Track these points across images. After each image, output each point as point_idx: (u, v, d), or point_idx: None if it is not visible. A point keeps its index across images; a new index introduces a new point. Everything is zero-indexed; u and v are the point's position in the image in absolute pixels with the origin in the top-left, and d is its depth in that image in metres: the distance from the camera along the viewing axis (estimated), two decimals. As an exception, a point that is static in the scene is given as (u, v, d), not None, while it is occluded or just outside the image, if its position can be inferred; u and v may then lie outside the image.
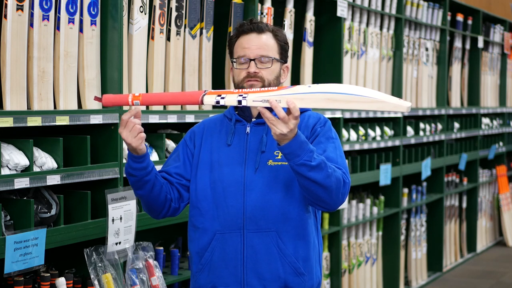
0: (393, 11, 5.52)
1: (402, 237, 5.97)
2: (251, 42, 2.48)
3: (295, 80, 4.60)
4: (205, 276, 2.51)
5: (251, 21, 2.53)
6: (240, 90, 2.33)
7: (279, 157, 2.45)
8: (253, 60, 2.46)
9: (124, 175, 3.12)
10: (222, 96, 2.31)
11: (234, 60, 2.50)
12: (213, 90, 2.33)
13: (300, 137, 2.28)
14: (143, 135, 2.39)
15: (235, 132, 2.52)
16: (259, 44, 2.48)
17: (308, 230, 2.49)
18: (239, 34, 2.52)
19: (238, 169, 2.47)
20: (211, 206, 2.49)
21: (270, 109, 2.26)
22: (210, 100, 2.31)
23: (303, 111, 2.52)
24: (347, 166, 2.48)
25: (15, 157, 2.71)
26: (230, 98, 2.30)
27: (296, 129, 2.25)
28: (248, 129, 2.51)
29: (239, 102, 2.29)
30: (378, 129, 5.36)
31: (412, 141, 5.93)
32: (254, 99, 2.28)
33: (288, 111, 2.23)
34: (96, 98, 2.37)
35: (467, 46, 7.32)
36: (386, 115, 5.50)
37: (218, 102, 2.30)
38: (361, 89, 2.25)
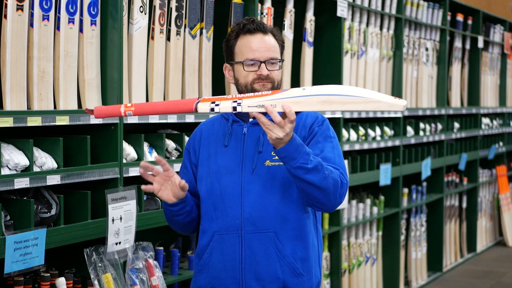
0: (393, 11, 5.52)
1: (402, 237, 5.97)
2: (259, 43, 2.46)
3: (295, 80, 4.60)
4: (204, 277, 2.51)
5: (253, 21, 2.49)
6: (234, 95, 2.30)
7: (276, 157, 2.43)
8: (264, 62, 2.45)
9: (124, 175, 3.12)
10: (217, 103, 2.28)
11: (241, 62, 2.47)
12: (206, 97, 2.31)
13: (296, 140, 2.27)
14: (185, 183, 2.45)
15: (232, 133, 2.51)
16: (267, 46, 2.46)
17: (306, 231, 2.48)
18: (241, 33, 2.49)
19: (235, 170, 2.47)
20: (209, 208, 2.50)
21: (264, 113, 2.25)
22: (204, 107, 2.29)
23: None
24: (345, 166, 2.47)
25: (15, 157, 2.70)
26: (225, 105, 2.28)
27: (292, 132, 2.25)
28: (245, 130, 2.50)
29: (234, 108, 2.27)
30: (378, 129, 5.36)
31: (412, 141, 5.93)
32: (249, 104, 2.26)
33: (283, 115, 2.22)
34: (87, 111, 2.35)
35: (467, 46, 7.32)
36: (386, 115, 5.50)
37: (212, 109, 2.28)
38: (356, 89, 2.24)
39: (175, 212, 2.50)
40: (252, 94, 2.29)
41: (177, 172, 2.69)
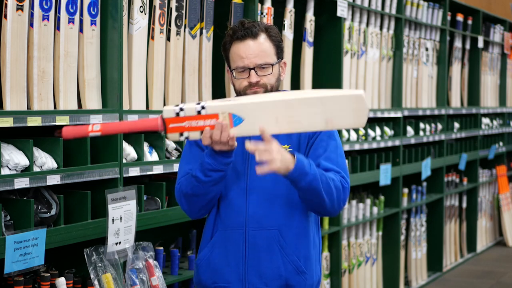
0: (393, 11, 5.52)
1: (402, 237, 5.97)
2: (248, 50, 2.44)
3: (295, 80, 4.60)
4: (206, 272, 2.52)
5: (243, 25, 2.47)
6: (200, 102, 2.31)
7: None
8: (253, 68, 2.44)
9: (124, 175, 3.12)
10: (181, 107, 2.27)
11: (233, 69, 2.47)
12: (174, 125, 2.28)
13: (298, 167, 2.30)
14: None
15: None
16: (256, 52, 2.44)
17: (309, 229, 2.51)
18: (233, 40, 2.48)
19: (241, 168, 2.48)
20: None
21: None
22: (169, 109, 2.27)
23: None
24: (346, 167, 2.49)
25: (15, 157, 2.70)
26: (189, 106, 2.26)
27: (286, 156, 2.27)
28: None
29: (198, 112, 2.27)
30: (378, 129, 5.36)
31: (412, 141, 5.93)
32: (213, 107, 2.26)
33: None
34: (57, 132, 2.35)
35: (467, 46, 7.32)
36: (386, 115, 5.50)
37: (177, 113, 2.26)
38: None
39: (218, 177, 2.39)
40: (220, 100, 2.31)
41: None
